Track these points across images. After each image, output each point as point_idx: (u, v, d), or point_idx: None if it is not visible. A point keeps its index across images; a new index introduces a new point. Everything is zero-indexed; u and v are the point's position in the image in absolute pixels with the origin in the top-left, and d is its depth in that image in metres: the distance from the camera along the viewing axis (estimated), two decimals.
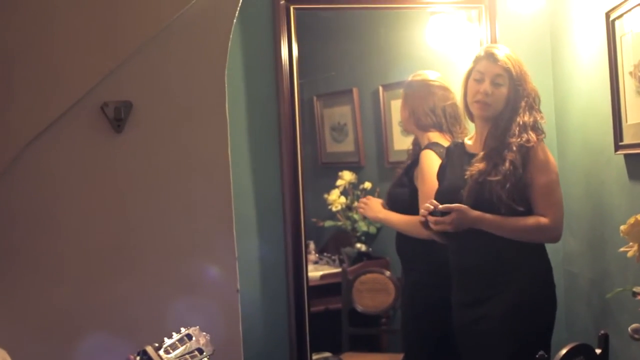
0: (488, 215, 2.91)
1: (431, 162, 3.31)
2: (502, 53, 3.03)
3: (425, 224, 3.02)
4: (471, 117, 3.17)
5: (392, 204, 3.56)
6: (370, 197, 3.73)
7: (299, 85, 3.73)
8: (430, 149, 3.37)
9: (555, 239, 2.98)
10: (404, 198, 3.49)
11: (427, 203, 2.99)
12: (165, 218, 2.86)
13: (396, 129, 4.63)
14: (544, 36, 3.91)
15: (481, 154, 3.01)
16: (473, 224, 2.93)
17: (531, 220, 2.90)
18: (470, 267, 3.03)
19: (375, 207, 3.61)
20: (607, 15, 3.14)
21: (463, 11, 3.96)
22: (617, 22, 3.09)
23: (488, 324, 2.95)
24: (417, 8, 4.02)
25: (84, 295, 2.80)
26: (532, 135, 2.94)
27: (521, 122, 2.95)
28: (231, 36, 2.90)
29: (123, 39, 2.81)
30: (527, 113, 2.97)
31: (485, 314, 2.97)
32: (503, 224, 2.91)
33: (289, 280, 3.77)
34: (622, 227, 2.42)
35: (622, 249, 2.45)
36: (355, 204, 4.77)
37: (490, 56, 3.03)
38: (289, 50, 3.72)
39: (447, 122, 3.44)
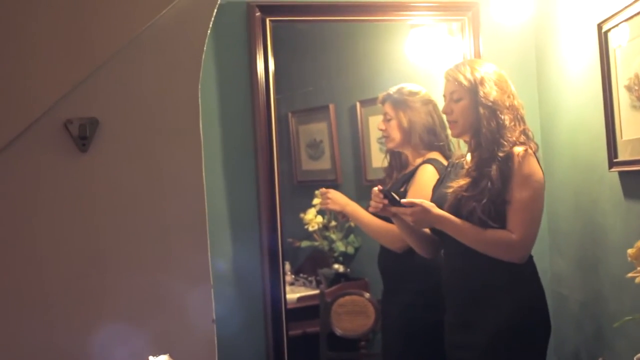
0: (453, 218, 2.76)
1: (428, 176, 3.14)
2: (457, 69, 2.91)
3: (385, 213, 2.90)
4: None
5: (380, 219, 3.33)
6: (330, 189, 3.45)
7: (276, 100, 3.53)
8: (430, 163, 3.21)
9: (520, 258, 2.75)
10: None
11: (375, 188, 2.88)
12: (135, 244, 2.61)
13: (374, 146, 4.44)
14: (529, 49, 3.74)
15: (465, 169, 2.86)
16: (435, 222, 2.79)
17: (499, 233, 2.72)
18: (458, 288, 2.88)
19: (339, 199, 3.39)
20: (600, 26, 2.97)
21: (445, 24, 3.78)
22: (610, 34, 2.91)
23: (473, 353, 2.80)
24: (397, 21, 3.83)
25: (49, 325, 2.54)
26: (504, 143, 2.76)
27: (486, 132, 2.78)
28: (205, 48, 2.67)
29: (89, 50, 2.57)
30: (492, 121, 2.79)
31: (471, 341, 2.80)
32: (466, 230, 2.75)
33: (266, 303, 3.58)
34: (629, 251, 2.24)
35: (630, 275, 2.26)
36: (332, 223, 4.61)
37: (445, 76, 2.94)
38: (264, 64, 3.53)
39: (447, 143, 3.26)
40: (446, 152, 3.29)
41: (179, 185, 2.66)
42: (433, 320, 3.08)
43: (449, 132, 3.24)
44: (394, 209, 2.84)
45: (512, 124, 2.80)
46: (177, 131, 2.66)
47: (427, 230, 2.97)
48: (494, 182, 2.71)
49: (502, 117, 2.79)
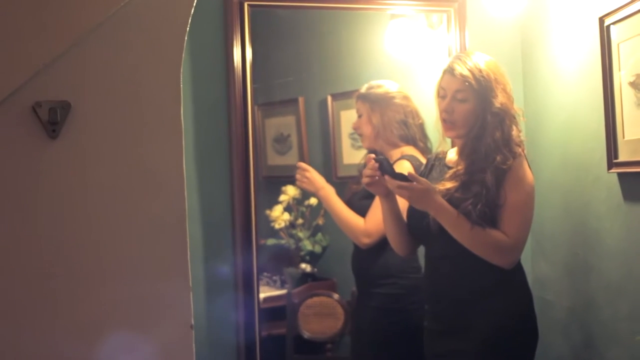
0: (451, 208, 2.52)
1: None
2: (465, 64, 2.61)
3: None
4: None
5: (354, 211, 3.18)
6: (311, 168, 3.26)
7: (253, 90, 3.28)
8: (407, 159, 3.03)
9: (509, 263, 2.55)
10: (367, 211, 3.10)
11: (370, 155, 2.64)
12: (109, 242, 2.32)
13: (346, 142, 4.22)
14: (516, 44, 3.55)
15: (452, 172, 2.64)
16: (432, 208, 2.53)
17: (492, 232, 2.51)
18: (444, 294, 2.66)
19: (317, 180, 3.21)
20: (602, 20, 2.78)
21: (427, 15, 3.56)
22: (613, 28, 2.72)
23: None
24: (378, 9, 3.58)
25: (9, 327, 2.23)
26: (507, 154, 2.54)
27: (490, 141, 2.55)
28: (188, 28, 2.39)
29: (61, 27, 2.26)
30: (498, 130, 2.56)
31: (456, 349, 2.61)
32: (462, 224, 2.51)
33: (239, 303, 3.36)
34: None
35: None
36: (299, 220, 4.39)
37: (450, 70, 2.64)
38: (242, 52, 3.26)
39: (421, 137, 3.09)
40: (419, 145, 3.14)
41: (157, 177, 2.37)
42: (410, 325, 2.94)
43: (422, 123, 3.14)
44: (390, 184, 2.55)
45: (516, 133, 2.60)
46: (156, 117, 2.37)
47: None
48: (489, 188, 2.51)
49: (510, 126, 2.58)
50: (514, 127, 2.60)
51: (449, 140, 2.91)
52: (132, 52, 2.35)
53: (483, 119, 2.57)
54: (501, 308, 2.57)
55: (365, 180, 2.63)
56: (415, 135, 3.14)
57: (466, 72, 2.58)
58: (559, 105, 3.21)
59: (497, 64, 2.65)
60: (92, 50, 2.29)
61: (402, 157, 3.05)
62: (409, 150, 3.10)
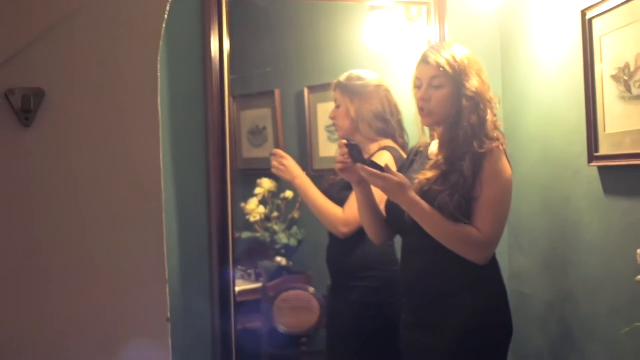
0: (424, 204, 2.47)
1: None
2: (438, 53, 2.60)
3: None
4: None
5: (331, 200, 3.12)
6: (288, 155, 3.20)
7: (230, 81, 3.20)
8: (387, 150, 2.98)
9: (482, 259, 2.51)
10: (345, 202, 3.04)
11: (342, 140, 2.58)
12: (83, 234, 2.23)
13: (322, 135, 4.15)
14: (495, 37, 3.51)
15: (432, 162, 2.60)
16: (404, 203, 2.49)
17: (465, 228, 2.47)
18: (415, 285, 2.63)
19: (294, 169, 3.15)
20: (583, 13, 2.74)
21: (407, 7, 3.51)
22: (595, 21, 2.69)
23: (433, 355, 2.58)
24: (355, 1, 3.53)
25: None
26: (483, 139, 2.51)
27: (467, 126, 2.52)
28: (167, 12, 2.32)
29: (35, 11, 2.18)
30: (474, 114, 2.53)
31: (431, 342, 2.57)
32: (434, 220, 2.47)
33: (214, 297, 3.30)
34: None
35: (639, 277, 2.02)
36: (275, 214, 4.33)
37: (424, 59, 2.63)
38: (219, 42, 3.19)
39: (400, 132, 3.04)
40: (398, 140, 3.09)
41: (134, 167, 2.29)
42: (390, 319, 2.87)
43: (400, 117, 3.08)
44: (363, 172, 2.49)
45: (492, 118, 2.55)
46: (133, 105, 2.29)
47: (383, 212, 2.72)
48: (466, 177, 2.48)
49: (484, 110, 2.54)
50: (489, 112, 2.56)
51: (427, 134, 2.86)
52: (108, 38, 2.26)
53: (459, 104, 2.55)
54: (474, 303, 2.53)
55: (337, 166, 2.58)
56: (394, 130, 3.09)
57: (440, 59, 2.57)
58: (538, 99, 3.17)
59: (473, 54, 2.63)
60: (67, 35, 2.20)
61: (383, 148, 3.00)
62: (388, 142, 3.05)
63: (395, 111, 3.11)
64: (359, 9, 3.62)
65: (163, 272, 2.31)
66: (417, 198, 2.49)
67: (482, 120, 2.53)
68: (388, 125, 3.08)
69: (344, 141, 2.56)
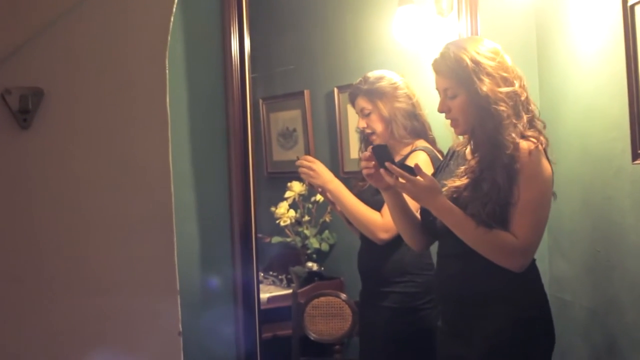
0: (456, 210, 2.32)
1: (422, 166, 2.69)
2: (443, 60, 2.42)
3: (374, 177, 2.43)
4: None
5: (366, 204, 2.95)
6: (316, 160, 3.00)
7: (251, 81, 3.04)
8: (423, 151, 2.84)
9: (519, 266, 2.32)
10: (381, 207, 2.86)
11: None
12: (87, 243, 2.08)
13: (353, 136, 4.00)
14: (530, 30, 3.31)
15: (464, 168, 2.43)
16: (434, 208, 2.34)
17: (500, 234, 2.29)
18: (454, 294, 2.46)
19: (324, 173, 2.94)
20: (624, 0, 2.51)
21: (438, 1, 3.31)
22: (638, 7, 2.47)
23: None
24: None
25: None
26: (507, 139, 2.30)
27: (491, 129, 2.33)
28: (174, 9, 2.16)
29: (34, 7, 2.05)
30: (487, 120, 2.34)
31: (462, 353, 2.42)
32: (467, 226, 2.31)
33: (238, 304, 3.08)
34: None
35: None
36: (306, 217, 4.17)
37: (433, 68, 2.47)
38: (239, 41, 3.02)
39: (429, 128, 2.93)
40: (429, 136, 2.95)
41: (141, 172, 2.15)
42: (426, 325, 2.79)
43: (426, 112, 2.95)
44: (387, 178, 2.34)
45: (513, 116, 2.34)
46: (139, 105, 2.15)
47: (418, 216, 2.56)
48: (500, 185, 2.29)
49: (498, 110, 2.32)
50: (508, 111, 2.34)
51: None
52: (112, 33, 2.13)
53: (478, 107, 2.36)
54: (511, 313, 2.36)
55: (364, 171, 2.45)
56: (425, 126, 2.95)
57: (444, 68, 2.41)
58: (577, 93, 2.96)
59: (488, 48, 2.41)
60: (68, 31, 2.08)
61: (419, 149, 2.86)
62: (422, 143, 2.91)
63: (420, 104, 2.96)
64: (387, 3, 3.45)
65: (174, 282, 2.16)
66: (448, 203, 2.33)
67: (498, 124, 2.32)
68: (419, 121, 2.93)
69: (371, 147, 2.43)
